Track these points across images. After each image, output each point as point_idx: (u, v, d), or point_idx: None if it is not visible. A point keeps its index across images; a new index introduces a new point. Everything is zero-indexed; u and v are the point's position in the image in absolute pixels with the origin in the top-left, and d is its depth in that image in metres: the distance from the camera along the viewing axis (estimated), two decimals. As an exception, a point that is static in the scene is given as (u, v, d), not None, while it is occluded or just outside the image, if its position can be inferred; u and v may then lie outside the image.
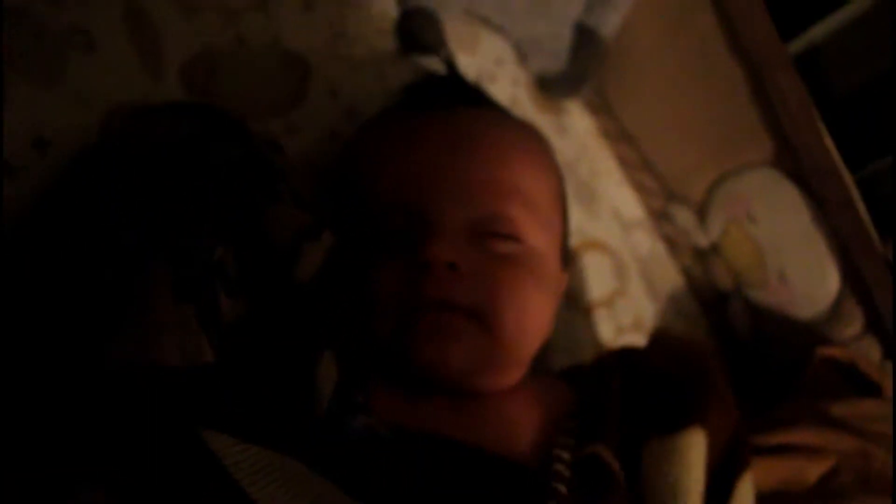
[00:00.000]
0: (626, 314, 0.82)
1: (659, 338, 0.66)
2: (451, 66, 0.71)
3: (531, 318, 0.56)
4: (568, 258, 0.65)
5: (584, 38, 0.82)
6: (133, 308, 0.43)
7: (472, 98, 0.65)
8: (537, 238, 0.57)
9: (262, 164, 0.53)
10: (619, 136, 0.87)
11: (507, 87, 0.82)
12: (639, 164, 0.87)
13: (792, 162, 0.75)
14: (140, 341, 0.42)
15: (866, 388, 0.71)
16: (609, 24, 0.81)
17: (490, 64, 0.81)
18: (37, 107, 0.58)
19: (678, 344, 0.63)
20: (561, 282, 0.63)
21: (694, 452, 0.50)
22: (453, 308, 0.52)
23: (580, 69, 0.84)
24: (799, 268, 0.77)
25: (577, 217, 0.80)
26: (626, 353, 0.63)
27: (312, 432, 0.44)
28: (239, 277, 0.46)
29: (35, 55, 0.59)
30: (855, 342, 0.75)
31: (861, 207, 0.75)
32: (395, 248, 0.54)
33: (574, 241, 0.78)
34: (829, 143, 0.73)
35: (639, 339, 0.81)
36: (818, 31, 0.91)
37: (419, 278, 0.52)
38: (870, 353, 0.75)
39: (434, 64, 0.75)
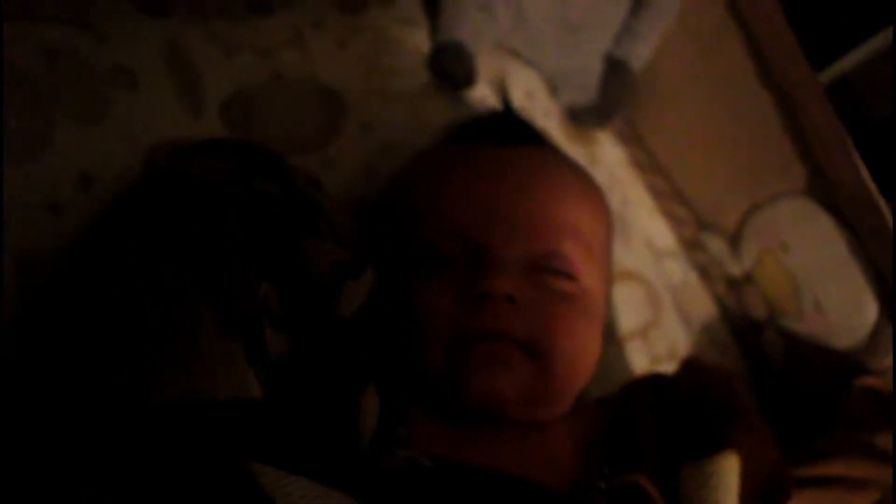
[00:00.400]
0: (659, 344, 0.82)
1: (687, 364, 0.66)
2: (506, 102, 0.72)
3: (582, 353, 0.57)
4: (609, 297, 0.66)
5: (614, 69, 0.83)
6: (179, 344, 0.44)
7: (530, 136, 0.66)
8: (590, 277, 0.58)
9: (302, 199, 0.54)
10: (649, 166, 0.88)
11: (539, 119, 0.82)
12: (670, 194, 0.87)
13: (825, 191, 0.75)
14: (187, 376, 0.43)
15: (907, 419, 0.70)
16: (639, 55, 0.82)
17: (521, 97, 0.82)
18: (81, 145, 0.59)
19: (706, 370, 0.63)
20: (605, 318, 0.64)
21: (730, 476, 0.51)
22: (508, 339, 0.53)
23: (610, 101, 0.84)
24: (835, 297, 0.76)
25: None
26: (654, 380, 0.64)
27: (357, 465, 0.45)
28: (283, 314, 0.47)
29: (80, 94, 0.60)
30: (894, 372, 0.75)
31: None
32: (450, 277, 0.54)
33: (607, 271, 0.78)
34: (863, 171, 0.72)
35: (672, 370, 0.81)
36: (848, 62, 0.92)
37: (476, 309, 0.52)
38: (910, 384, 0.74)
39: (470, 97, 0.77)
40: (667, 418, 0.57)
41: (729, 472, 0.52)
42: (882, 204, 0.74)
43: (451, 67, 0.76)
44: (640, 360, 0.79)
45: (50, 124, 0.59)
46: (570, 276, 0.57)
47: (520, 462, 0.52)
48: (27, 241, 0.55)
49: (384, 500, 0.41)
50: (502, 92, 0.75)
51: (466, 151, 0.61)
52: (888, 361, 0.75)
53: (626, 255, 0.83)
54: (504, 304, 0.52)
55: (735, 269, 0.85)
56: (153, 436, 0.41)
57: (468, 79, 0.77)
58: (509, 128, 0.67)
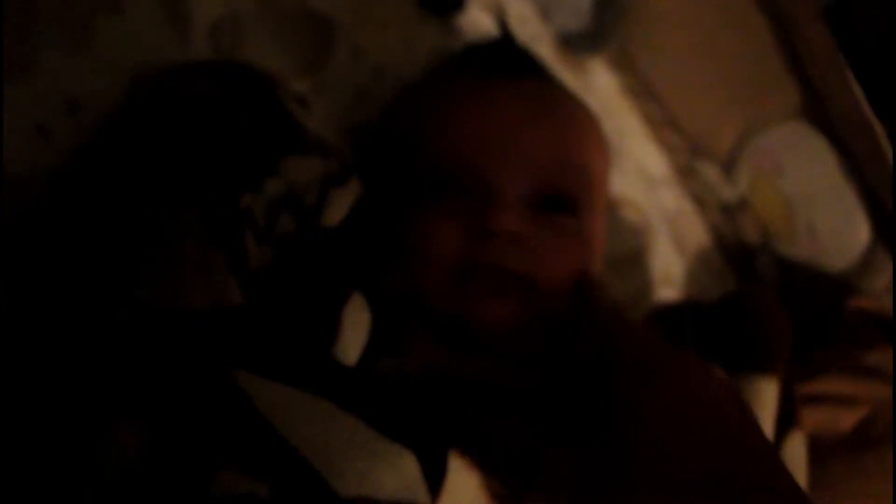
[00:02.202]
0: (654, 269, 0.82)
1: (736, 292, 0.66)
2: (505, 29, 0.71)
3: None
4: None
5: (607, -7, 0.82)
6: (162, 253, 0.44)
7: (530, 66, 0.65)
8: (592, 214, 0.58)
9: (286, 115, 0.53)
10: (642, 93, 0.87)
11: (530, 45, 0.81)
12: (663, 121, 0.87)
13: (820, 113, 0.75)
14: (168, 284, 0.43)
15: (898, 338, 0.71)
16: (632, -22, 0.81)
17: (512, 22, 0.81)
18: (67, 71, 0.59)
19: (756, 299, 0.64)
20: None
21: (770, 399, 0.54)
22: (510, 274, 0.53)
23: (603, 26, 0.83)
24: (828, 220, 0.76)
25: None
26: (689, 305, 0.64)
27: (340, 373, 0.45)
28: (266, 225, 0.47)
29: (64, 20, 0.59)
30: (886, 293, 0.75)
31: (891, 158, 0.74)
32: (454, 208, 0.54)
33: (601, 197, 0.78)
34: (858, 93, 0.72)
35: (668, 294, 0.82)
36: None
37: (481, 243, 0.52)
38: (900, 304, 0.75)
39: (462, 23, 0.75)
40: (706, 339, 0.58)
41: (770, 394, 0.54)
42: (877, 126, 0.73)
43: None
44: (634, 285, 0.80)
45: (34, 50, 0.58)
46: (573, 213, 0.57)
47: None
48: (15, 165, 0.54)
49: (368, 407, 0.41)
50: (501, 20, 0.74)
51: (473, 81, 0.60)
52: (880, 282, 0.75)
53: (619, 183, 0.83)
54: (509, 241, 0.53)
55: (729, 195, 0.85)
56: (137, 341, 0.41)
57: (457, 3, 0.76)
58: (512, 58, 0.66)
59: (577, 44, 0.84)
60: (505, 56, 0.65)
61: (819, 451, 0.63)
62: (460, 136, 0.56)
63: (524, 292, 0.53)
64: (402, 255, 0.54)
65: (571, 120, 0.60)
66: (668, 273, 0.83)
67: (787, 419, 0.56)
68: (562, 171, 0.56)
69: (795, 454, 0.55)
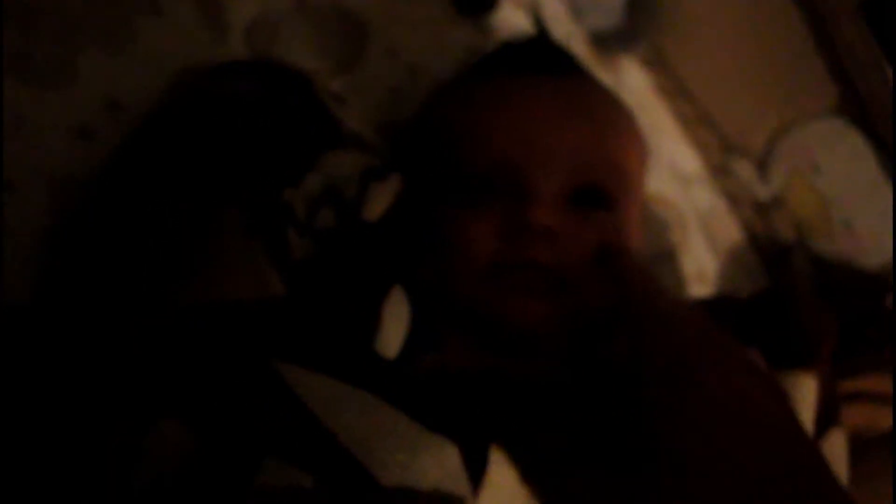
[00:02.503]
0: (688, 266, 0.82)
1: (774, 288, 0.66)
2: (541, 27, 0.71)
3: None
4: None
5: (640, -8, 0.82)
6: (205, 247, 0.44)
7: (566, 64, 0.66)
8: (626, 207, 0.58)
9: (325, 111, 0.54)
10: (675, 91, 0.86)
11: (563, 44, 0.81)
12: (697, 119, 0.86)
13: (858, 110, 0.74)
14: (211, 278, 0.44)
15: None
16: (665, -24, 0.81)
17: (546, 22, 0.81)
18: (108, 72, 0.60)
19: (797, 295, 0.63)
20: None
21: (810, 394, 0.53)
22: (545, 270, 0.53)
23: (635, 25, 0.83)
24: (866, 216, 0.76)
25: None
26: (726, 301, 0.64)
27: (382, 366, 0.45)
28: (307, 219, 0.47)
29: (105, 22, 0.60)
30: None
31: (929, 153, 0.73)
32: (489, 205, 0.54)
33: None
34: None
35: (701, 291, 0.81)
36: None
37: (516, 239, 0.53)
38: (940, 301, 0.74)
39: (493, 23, 0.76)
40: (742, 334, 0.58)
41: (809, 390, 0.53)
42: (915, 121, 0.73)
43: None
44: (667, 282, 0.79)
45: (76, 51, 0.59)
46: (608, 209, 0.57)
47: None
48: (58, 166, 0.55)
49: (409, 400, 0.41)
50: (536, 18, 0.74)
51: (509, 80, 0.61)
52: (919, 279, 0.74)
53: (653, 181, 0.83)
54: (544, 237, 0.53)
55: (763, 193, 0.84)
56: (178, 336, 0.41)
57: (490, 2, 0.76)
58: (548, 56, 0.66)
59: (609, 43, 0.84)
60: (540, 54, 0.65)
61: (858, 448, 0.62)
62: (496, 135, 0.56)
63: (559, 290, 0.53)
64: (439, 252, 0.54)
65: (608, 116, 0.60)
66: (702, 271, 0.83)
67: (828, 416, 0.55)
68: (597, 167, 0.56)
69: (836, 452, 0.54)
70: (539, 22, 0.72)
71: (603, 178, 0.56)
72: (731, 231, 0.86)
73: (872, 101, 0.72)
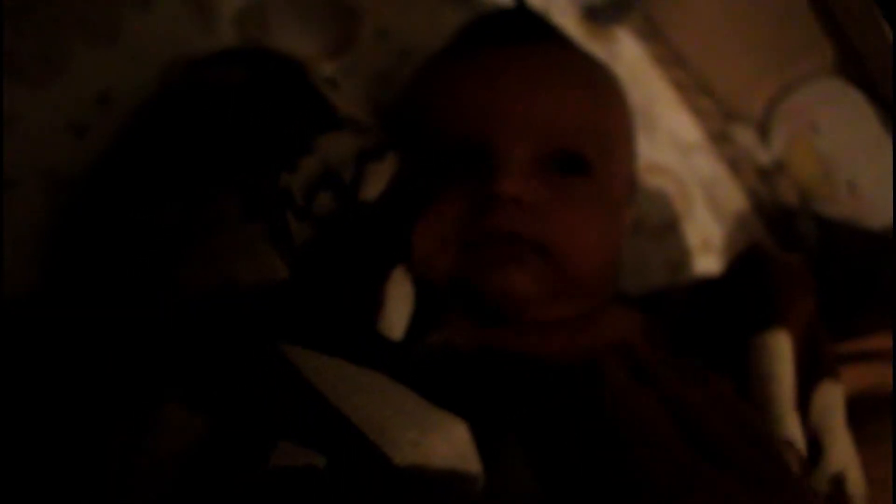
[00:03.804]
0: (693, 236, 0.81)
1: (741, 257, 0.65)
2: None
3: (594, 249, 0.56)
4: (635, 189, 0.65)
5: (630, -38, 0.81)
6: (205, 234, 0.44)
7: (540, 32, 0.65)
8: (606, 172, 0.58)
9: (318, 95, 0.54)
10: (671, 59, 0.86)
11: (557, 18, 0.80)
12: (694, 87, 0.85)
13: (856, 69, 0.73)
14: (213, 264, 0.44)
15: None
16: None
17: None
18: (98, 66, 0.59)
19: (758, 260, 0.63)
20: (628, 213, 0.63)
21: (781, 347, 0.52)
22: (518, 240, 0.53)
23: (627, -5, 0.83)
24: (869, 176, 0.75)
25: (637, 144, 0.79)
26: (701, 285, 0.64)
27: (387, 346, 0.45)
28: (305, 203, 0.47)
29: (93, 16, 0.60)
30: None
31: (931, 108, 0.72)
32: (461, 180, 0.54)
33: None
34: (894, 43, 0.70)
35: (707, 261, 0.81)
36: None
37: (486, 210, 0.52)
38: (947, 259, 0.73)
39: (485, 3, 0.75)
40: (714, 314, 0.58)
41: (782, 346, 0.52)
42: (916, 76, 0.72)
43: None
44: (672, 252, 0.79)
45: (65, 47, 0.59)
46: (582, 172, 0.56)
47: (550, 352, 0.53)
48: (50, 162, 0.55)
49: (417, 378, 0.41)
50: None
51: (473, 53, 0.60)
52: (925, 236, 0.74)
53: (652, 151, 0.82)
54: (513, 206, 0.53)
55: (765, 158, 0.83)
56: (181, 319, 0.41)
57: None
58: (519, 25, 0.65)
59: (602, 15, 0.83)
60: (515, 23, 0.65)
61: (869, 408, 0.62)
62: (464, 106, 0.56)
63: (539, 259, 0.53)
64: (418, 230, 0.54)
65: (583, 81, 0.60)
66: (707, 239, 0.82)
67: (816, 370, 0.55)
68: (570, 132, 0.56)
69: (827, 403, 0.54)
70: None
71: (577, 143, 0.56)
72: (734, 198, 0.85)
73: (870, 59, 0.71)
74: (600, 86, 0.62)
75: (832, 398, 0.55)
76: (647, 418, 0.43)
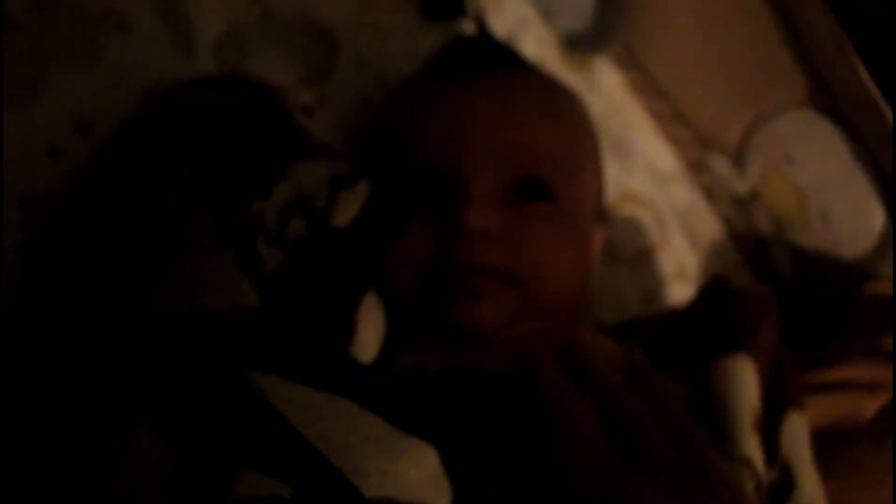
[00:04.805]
0: (668, 264, 0.82)
1: (708, 287, 0.66)
2: (482, 27, 0.71)
3: (561, 275, 0.57)
4: (605, 215, 0.66)
5: (609, -8, 0.82)
6: (176, 259, 0.45)
7: (504, 60, 0.65)
8: (571, 197, 0.58)
9: (292, 123, 0.54)
10: (649, 89, 0.87)
11: (534, 47, 0.81)
12: (671, 116, 0.86)
13: (828, 100, 0.74)
14: (183, 289, 0.44)
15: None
16: (632, -24, 0.81)
17: (514, 26, 0.81)
18: (76, 90, 0.59)
19: (712, 288, 0.64)
20: (597, 238, 0.64)
21: (744, 372, 0.53)
22: (483, 271, 0.53)
23: (606, 25, 0.84)
24: (841, 207, 0.76)
25: (613, 172, 0.80)
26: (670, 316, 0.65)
27: (357, 371, 0.45)
28: (278, 229, 0.47)
29: (72, 40, 0.60)
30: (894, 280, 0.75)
31: (902, 142, 0.74)
32: (430, 207, 0.55)
33: (611, 195, 0.78)
34: (864, 75, 0.72)
35: (683, 289, 0.81)
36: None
37: (452, 241, 0.53)
38: (919, 288, 0.74)
39: (462, 29, 0.76)
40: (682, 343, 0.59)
41: (745, 372, 0.54)
42: (885, 108, 0.73)
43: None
44: (648, 281, 0.80)
45: (44, 70, 0.59)
46: (548, 200, 0.57)
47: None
48: (28, 186, 0.55)
49: (386, 404, 0.41)
50: (478, 18, 0.74)
51: (436, 83, 0.61)
52: (897, 266, 0.75)
53: (629, 180, 0.83)
54: (479, 237, 0.53)
55: (740, 188, 0.84)
56: (151, 345, 0.41)
57: (459, 10, 0.76)
58: (483, 53, 0.66)
59: (580, 44, 0.84)
60: (480, 52, 0.65)
61: (844, 437, 0.62)
62: (431, 136, 0.56)
63: (505, 288, 0.53)
64: (387, 258, 0.54)
65: (545, 107, 0.60)
66: (683, 268, 0.83)
67: (782, 398, 0.55)
68: (533, 158, 0.56)
69: (796, 434, 0.55)
70: (480, 21, 0.72)
71: (540, 169, 0.56)
72: (710, 227, 0.86)
73: (842, 91, 0.73)
74: (563, 111, 0.62)
75: (799, 429, 0.56)
76: (576, 420, 0.44)
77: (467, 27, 0.77)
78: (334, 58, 0.72)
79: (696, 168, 0.87)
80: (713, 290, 0.62)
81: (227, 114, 0.52)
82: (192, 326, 0.42)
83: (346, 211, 0.49)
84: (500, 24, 0.80)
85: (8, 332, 0.45)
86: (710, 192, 0.87)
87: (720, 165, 0.85)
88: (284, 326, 0.44)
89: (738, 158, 0.83)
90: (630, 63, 0.87)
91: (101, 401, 0.39)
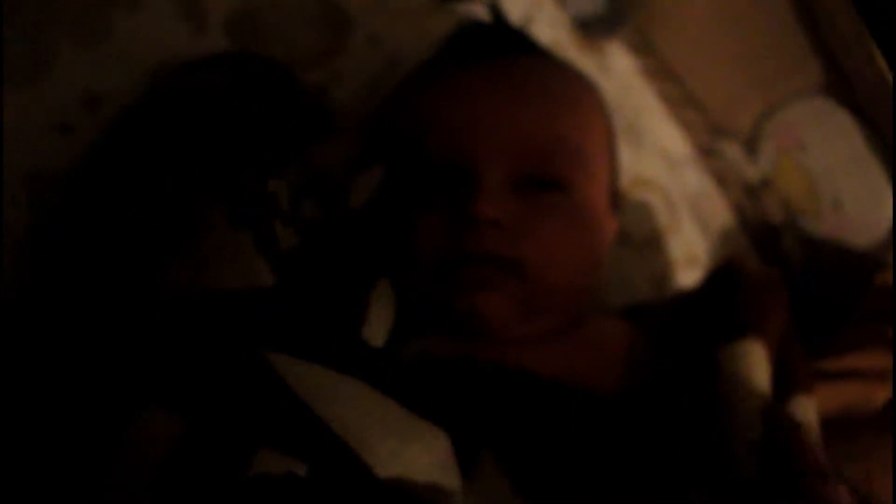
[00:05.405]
0: (678, 250, 0.81)
1: (718, 271, 0.66)
2: (496, 11, 0.70)
3: (572, 265, 0.56)
4: (618, 202, 0.65)
5: (622, -26, 0.81)
6: (191, 238, 0.44)
7: (517, 46, 0.65)
8: (583, 186, 0.58)
9: (306, 103, 0.54)
10: (661, 73, 0.86)
11: (547, 30, 0.81)
12: (683, 101, 0.86)
13: (843, 88, 0.73)
14: (199, 269, 0.44)
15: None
16: (647, -41, 0.80)
17: (529, 7, 0.80)
18: (86, 66, 0.59)
19: (722, 271, 0.63)
20: (610, 226, 0.63)
21: (755, 357, 0.53)
22: (494, 261, 0.53)
23: (619, 8, 0.83)
24: (854, 194, 0.75)
25: (625, 156, 0.79)
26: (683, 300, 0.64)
27: (370, 354, 0.45)
28: (291, 209, 0.47)
29: (81, 16, 0.60)
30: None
31: (917, 128, 0.73)
32: (439, 200, 0.54)
33: (623, 180, 0.77)
34: (881, 63, 0.71)
35: (692, 275, 0.81)
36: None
37: (462, 232, 0.53)
38: (930, 279, 0.74)
39: (475, 10, 0.75)
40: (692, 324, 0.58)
41: (756, 356, 0.53)
42: (901, 96, 0.72)
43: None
44: (658, 266, 0.79)
45: (53, 47, 0.58)
46: (560, 189, 0.56)
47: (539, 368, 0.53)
48: (37, 162, 0.55)
49: (398, 387, 0.41)
50: (492, 3, 0.74)
51: (448, 71, 0.60)
52: (910, 254, 0.74)
53: (641, 164, 0.83)
54: (488, 228, 0.53)
55: (752, 174, 0.84)
56: (163, 325, 0.41)
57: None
58: (497, 39, 0.65)
59: (593, 27, 0.84)
60: (493, 38, 0.65)
61: (852, 425, 0.62)
62: (442, 125, 0.56)
63: (512, 278, 0.53)
64: (399, 249, 0.54)
65: (557, 94, 0.59)
66: (693, 254, 0.82)
67: (790, 382, 0.55)
68: (544, 147, 0.56)
69: (804, 417, 0.54)
70: (494, 6, 0.71)
71: (551, 159, 0.56)
72: (720, 213, 0.85)
73: (857, 79, 0.72)
74: (577, 98, 0.62)
75: (805, 413, 0.55)
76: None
77: (480, 9, 0.77)
78: (346, 36, 0.71)
79: (708, 153, 0.86)
80: (723, 273, 0.62)
81: (240, 93, 0.52)
82: (208, 305, 0.42)
83: (361, 193, 0.49)
84: (514, 6, 0.79)
85: (17, 317, 0.45)
86: (722, 178, 0.86)
87: (732, 151, 0.85)
88: (299, 307, 0.44)
89: (751, 144, 0.83)
90: (643, 47, 0.86)
91: (116, 379, 0.39)
